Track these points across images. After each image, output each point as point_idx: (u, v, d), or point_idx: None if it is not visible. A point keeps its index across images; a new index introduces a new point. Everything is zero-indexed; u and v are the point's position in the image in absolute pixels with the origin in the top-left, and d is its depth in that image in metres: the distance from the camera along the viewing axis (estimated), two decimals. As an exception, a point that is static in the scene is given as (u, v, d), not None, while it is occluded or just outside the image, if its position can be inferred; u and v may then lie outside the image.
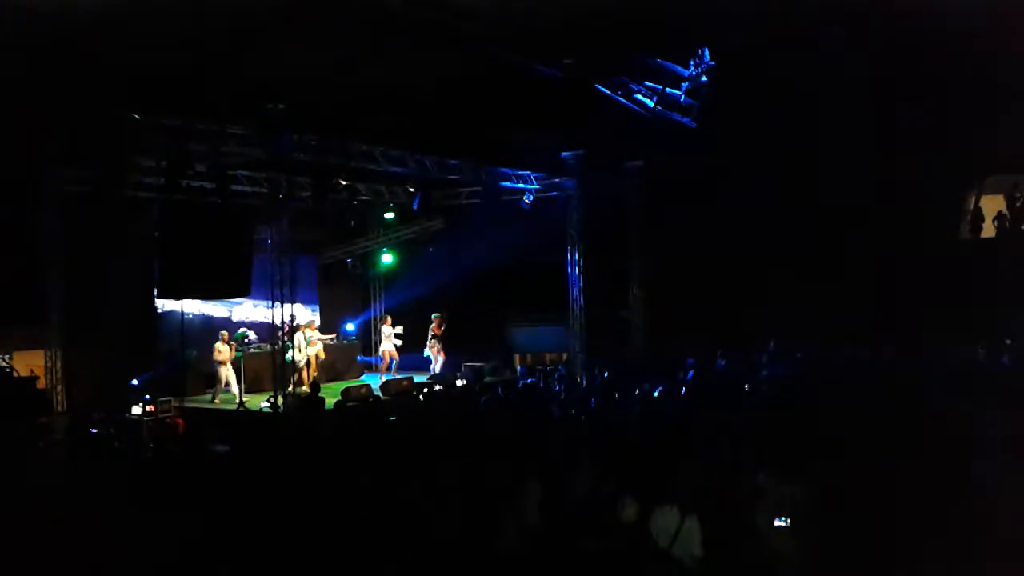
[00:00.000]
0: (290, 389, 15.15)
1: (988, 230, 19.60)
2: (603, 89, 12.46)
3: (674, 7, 13.12)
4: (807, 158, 17.96)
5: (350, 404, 14.93)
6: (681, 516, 6.03)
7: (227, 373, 17.26)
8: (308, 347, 18.38)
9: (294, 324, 15.85)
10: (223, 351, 17.24)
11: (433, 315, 19.98)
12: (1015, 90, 14.62)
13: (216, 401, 17.02)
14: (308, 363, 17.89)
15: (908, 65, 15.86)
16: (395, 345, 19.73)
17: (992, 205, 19.70)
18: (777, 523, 5.87)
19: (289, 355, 15.79)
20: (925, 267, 17.43)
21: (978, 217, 19.70)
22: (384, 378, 18.68)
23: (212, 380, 17.52)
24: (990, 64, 14.52)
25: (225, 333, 17.52)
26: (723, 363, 15.09)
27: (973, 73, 15.22)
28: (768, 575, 5.86)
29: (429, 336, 19.82)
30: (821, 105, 17.11)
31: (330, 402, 14.65)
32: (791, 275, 18.17)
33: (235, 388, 17.06)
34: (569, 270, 19.30)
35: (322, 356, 18.70)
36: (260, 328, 18.43)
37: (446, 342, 19.96)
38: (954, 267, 17.46)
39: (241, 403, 16.07)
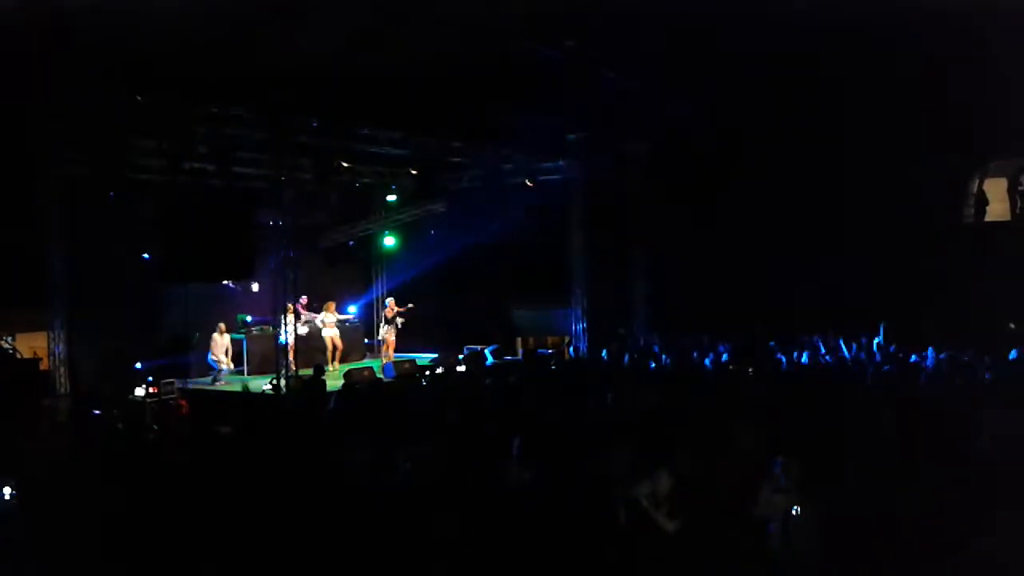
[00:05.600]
0: (293, 371, 15.17)
1: (993, 213, 19.51)
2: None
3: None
4: (811, 144, 17.91)
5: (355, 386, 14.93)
6: (672, 481, 6.06)
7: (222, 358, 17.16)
8: (324, 328, 18.45)
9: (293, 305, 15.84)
10: (219, 342, 17.13)
11: (388, 299, 19.57)
12: (1019, 73, 14.55)
13: (218, 384, 16.92)
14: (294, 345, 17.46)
15: (910, 49, 15.79)
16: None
17: (995, 188, 19.64)
18: (791, 511, 5.84)
19: (283, 337, 15.72)
20: (929, 251, 17.42)
21: (982, 201, 19.63)
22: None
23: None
24: (993, 47, 14.45)
25: (223, 325, 17.36)
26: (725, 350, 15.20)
27: (976, 56, 15.15)
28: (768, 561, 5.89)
29: (382, 320, 19.32)
30: (826, 91, 17.05)
31: (333, 384, 14.69)
32: (795, 260, 18.17)
33: (225, 368, 17.03)
34: (571, 253, 19.27)
35: (339, 344, 18.63)
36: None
37: (401, 330, 19.14)
38: (958, 251, 17.43)
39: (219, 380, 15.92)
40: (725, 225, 18.69)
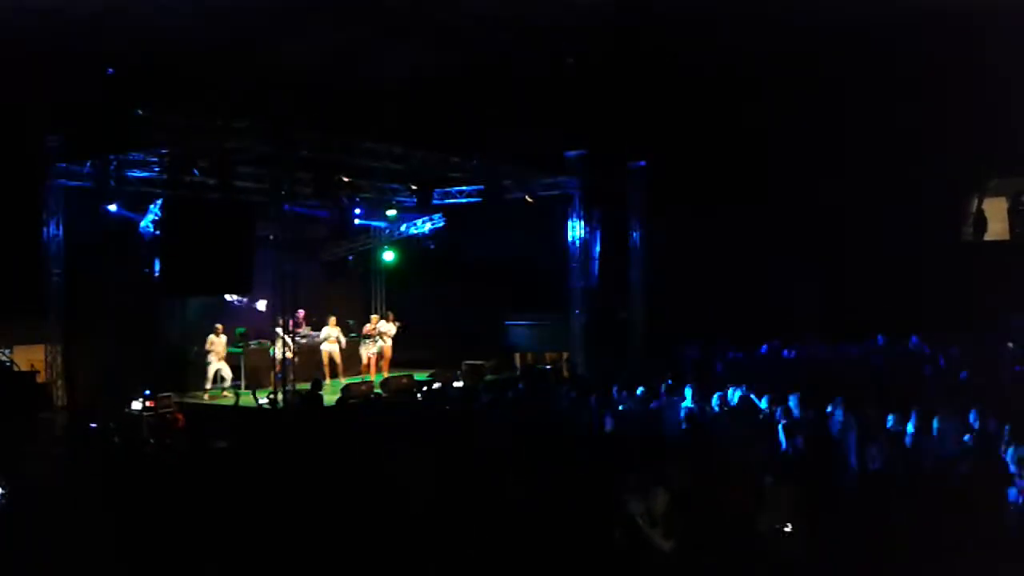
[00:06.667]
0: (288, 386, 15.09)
1: (993, 232, 19.53)
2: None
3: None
4: (811, 159, 17.96)
5: (351, 401, 14.92)
6: (670, 500, 6.03)
7: (218, 367, 17.08)
8: (324, 343, 18.44)
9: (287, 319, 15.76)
10: (215, 343, 17.07)
11: (372, 315, 19.63)
12: (1019, 92, 14.60)
13: (205, 397, 16.86)
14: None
15: (912, 66, 15.86)
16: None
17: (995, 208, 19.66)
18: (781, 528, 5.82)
19: (279, 351, 15.61)
20: (927, 269, 17.45)
21: (981, 219, 19.65)
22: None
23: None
24: (994, 65, 14.51)
25: (220, 326, 17.34)
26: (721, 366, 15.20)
27: (977, 75, 15.21)
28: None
29: (361, 335, 19.17)
30: (826, 107, 17.12)
31: (330, 399, 14.67)
32: (794, 277, 18.22)
33: (228, 382, 16.96)
34: (570, 268, 19.27)
35: (338, 359, 18.61)
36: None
37: (396, 346, 19.16)
38: (957, 269, 17.45)
39: (237, 397, 15.91)
40: (725, 242, 18.73)
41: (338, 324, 18.84)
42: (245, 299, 18.21)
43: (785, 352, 16.01)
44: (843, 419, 9.49)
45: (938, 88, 16.10)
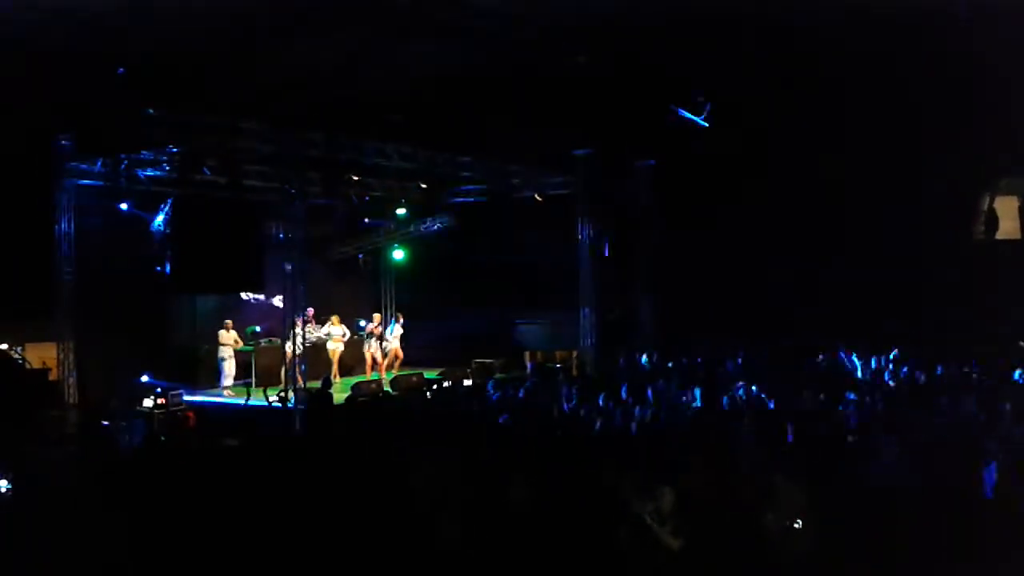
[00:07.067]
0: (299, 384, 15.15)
1: (1004, 231, 19.42)
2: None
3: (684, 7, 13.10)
4: (819, 158, 17.90)
5: (360, 399, 14.94)
6: (677, 498, 6.04)
7: (229, 362, 17.15)
8: (329, 342, 18.52)
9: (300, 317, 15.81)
10: (226, 338, 17.14)
11: (375, 314, 19.76)
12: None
13: (226, 393, 16.90)
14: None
15: (922, 65, 15.79)
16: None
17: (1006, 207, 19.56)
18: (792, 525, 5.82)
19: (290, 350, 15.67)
20: (938, 268, 17.38)
21: (993, 218, 19.55)
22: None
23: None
24: (1005, 64, 14.43)
25: (229, 322, 17.39)
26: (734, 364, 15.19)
27: (987, 73, 15.14)
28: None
29: (366, 335, 19.28)
30: (835, 105, 17.05)
31: (340, 397, 14.70)
32: (801, 275, 18.17)
33: (230, 379, 17.04)
34: (580, 266, 19.26)
35: (334, 358, 18.68)
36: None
37: (405, 345, 19.34)
38: (968, 269, 17.38)
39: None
40: (732, 239, 18.69)
41: (341, 323, 18.92)
42: (262, 296, 18.30)
43: (795, 351, 15.99)
44: (854, 418, 9.50)
45: (947, 86, 16.03)
